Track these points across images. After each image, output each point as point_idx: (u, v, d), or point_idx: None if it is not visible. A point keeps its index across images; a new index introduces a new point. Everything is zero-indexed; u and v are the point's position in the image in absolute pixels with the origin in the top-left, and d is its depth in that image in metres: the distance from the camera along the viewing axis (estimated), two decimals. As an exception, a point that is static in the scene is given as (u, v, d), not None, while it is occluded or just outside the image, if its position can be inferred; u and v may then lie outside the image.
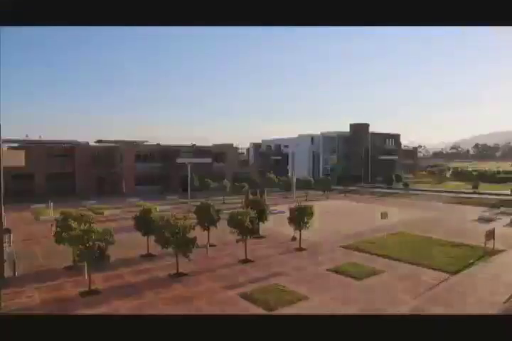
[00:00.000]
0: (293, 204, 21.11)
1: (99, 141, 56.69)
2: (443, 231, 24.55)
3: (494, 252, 19.11)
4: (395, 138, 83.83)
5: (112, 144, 55.58)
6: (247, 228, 17.59)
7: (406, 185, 56.06)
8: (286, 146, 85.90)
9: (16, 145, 48.64)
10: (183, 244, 15.13)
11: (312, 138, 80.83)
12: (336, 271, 16.20)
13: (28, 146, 47.24)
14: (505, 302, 12.60)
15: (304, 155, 79.90)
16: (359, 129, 77.23)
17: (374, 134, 77.87)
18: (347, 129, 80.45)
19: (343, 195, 48.84)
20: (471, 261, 17.62)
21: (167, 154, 53.25)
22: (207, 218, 20.04)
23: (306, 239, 20.69)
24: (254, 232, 18.64)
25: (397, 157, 79.08)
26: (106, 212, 32.00)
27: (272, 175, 52.41)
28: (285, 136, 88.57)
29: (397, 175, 63.38)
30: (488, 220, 28.83)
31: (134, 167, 50.26)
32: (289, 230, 21.49)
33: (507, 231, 24.56)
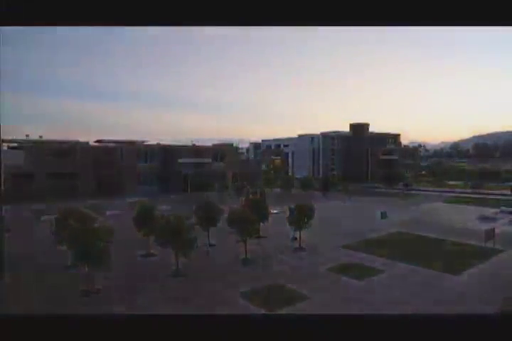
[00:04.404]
0: (292, 204, 21.07)
1: (99, 141, 56.70)
2: (443, 231, 24.55)
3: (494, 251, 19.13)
4: (395, 137, 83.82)
5: (112, 144, 55.60)
6: (247, 228, 17.57)
7: (406, 185, 56.03)
8: (286, 146, 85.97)
9: (15, 145, 48.62)
10: (184, 244, 15.12)
11: (312, 138, 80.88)
12: (336, 271, 16.22)
13: (28, 146, 47.26)
14: None
15: (303, 155, 79.97)
16: (359, 129, 77.25)
17: (374, 134, 77.89)
18: (347, 129, 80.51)
19: (342, 194, 48.81)
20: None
21: (167, 154, 53.31)
22: (207, 218, 20.04)
23: (306, 239, 20.67)
24: (254, 232, 18.61)
25: (397, 157, 79.10)
26: (107, 212, 31.96)
27: (272, 175, 52.44)
28: (285, 136, 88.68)
29: (397, 174, 63.35)
30: (489, 219, 28.83)
31: (135, 167, 50.26)
32: (289, 230, 21.46)
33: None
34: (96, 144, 56.43)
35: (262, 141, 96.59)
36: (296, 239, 20.85)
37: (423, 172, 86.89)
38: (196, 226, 17.49)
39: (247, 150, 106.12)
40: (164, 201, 39.01)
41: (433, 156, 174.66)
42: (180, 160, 51.30)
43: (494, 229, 20.27)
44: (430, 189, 55.41)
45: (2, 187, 15.48)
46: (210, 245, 20.41)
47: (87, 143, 56.75)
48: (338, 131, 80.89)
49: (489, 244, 19.89)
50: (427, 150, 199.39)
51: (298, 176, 62.52)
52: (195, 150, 55.86)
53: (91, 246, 13.11)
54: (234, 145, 68.52)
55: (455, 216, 31.40)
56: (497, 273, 16.01)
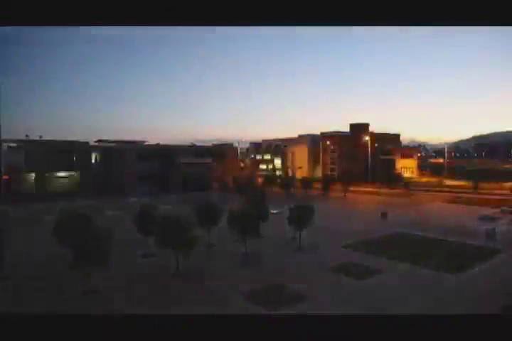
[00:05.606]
0: (292, 204, 21.07)
1: (99, 141, 56.70)
2: (443, 231, 24.50)
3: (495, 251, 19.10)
4: (396, 137, 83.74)
5: (113, 144, 55.63)
6: (246, 227, 17.56)
7: (406, 184, 55.94)
8: (285, 146, 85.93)
9: (15, 145, 48.61)
10: (184, 244, 15.10)
11: (312, 138, 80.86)
12: (336, 271, 16.22)
13: (28, 146, 47.27)
14: None
15: (303, 155, 79.99)
16: (359, 129, 77.15)
17: (374, 134, 77.77)
18: (347, 129, 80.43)
19: (342, 194, 48.76)
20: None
21: (167, 154, 53.34)
22: (207, 217, 20.02)
23: (305, 239, 20.66)
24: (254, 232, 18.59)
25: (397, 157, 78.90)
26: (107, 212, 31.99)
27: (272, 175, 52.43)
28: (285, 136, 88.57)
29: (398, 174, 63.26)
30: (489, 219, 28.76)
31: (135, 167, 50.30)
32: (289, 230, 21.45)
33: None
34: (96, 144, 56.44)
35: (262, 140, 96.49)
36: (295, 238, 20.83)
37: (423, 172, 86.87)
38: (196, 226, 17.48)
39: (247, 150, 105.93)
40: (164, 201, 39.01)
41: (433, 156, 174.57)
42: (180, 160, 51.35)
43: (494, 228, 20.23)
44: (430, 189, 55.34)
45: (2, 187, 15.48)
46: (211, 245, 20.40)
47: (87, 142, 56.75)
48: (339, 131, 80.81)
49: (489, 244, 19.87)
50: (427, 150, 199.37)
51: (298, 176, 62.48)
52: (196, 151, 55.92)
53: (91, 247, 13.11)
54: (234, 145, 68.52)
55: (455, 216, 31.33)
56: (496, 273, 16.00)
